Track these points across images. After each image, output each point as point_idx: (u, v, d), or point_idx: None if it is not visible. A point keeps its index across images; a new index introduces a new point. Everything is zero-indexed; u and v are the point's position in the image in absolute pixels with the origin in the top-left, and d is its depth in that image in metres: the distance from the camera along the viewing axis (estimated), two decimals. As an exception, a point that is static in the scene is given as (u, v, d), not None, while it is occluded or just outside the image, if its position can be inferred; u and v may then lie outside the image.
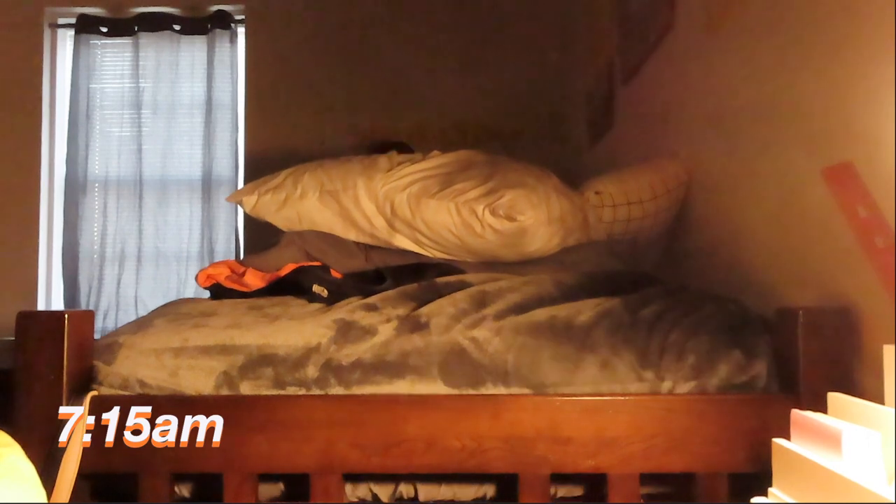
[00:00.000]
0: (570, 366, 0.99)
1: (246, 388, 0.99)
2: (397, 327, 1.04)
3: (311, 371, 0.99)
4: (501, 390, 0.98)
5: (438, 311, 1.06)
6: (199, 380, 0.99)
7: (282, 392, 0.99)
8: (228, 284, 1.30)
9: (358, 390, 0.99)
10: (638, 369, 0.99)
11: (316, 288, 1.20)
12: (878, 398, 0.76)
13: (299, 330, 1.04)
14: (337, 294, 1.20)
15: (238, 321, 1.08)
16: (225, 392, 0.99)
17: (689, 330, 1.02)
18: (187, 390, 0.99)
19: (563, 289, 1.16)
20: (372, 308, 1.09)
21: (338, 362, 1.00)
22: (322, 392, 0.99)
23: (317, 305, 1.17)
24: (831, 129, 1.00)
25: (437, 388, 0.98)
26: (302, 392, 0.99)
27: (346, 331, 1.04)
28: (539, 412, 0.94)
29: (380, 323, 1.05)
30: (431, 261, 1.42)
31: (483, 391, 0.98)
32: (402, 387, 0.99)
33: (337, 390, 0.99)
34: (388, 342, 1.02)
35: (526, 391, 0.98)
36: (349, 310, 1.09)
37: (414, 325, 1.04)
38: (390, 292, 1.15)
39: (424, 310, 1.07)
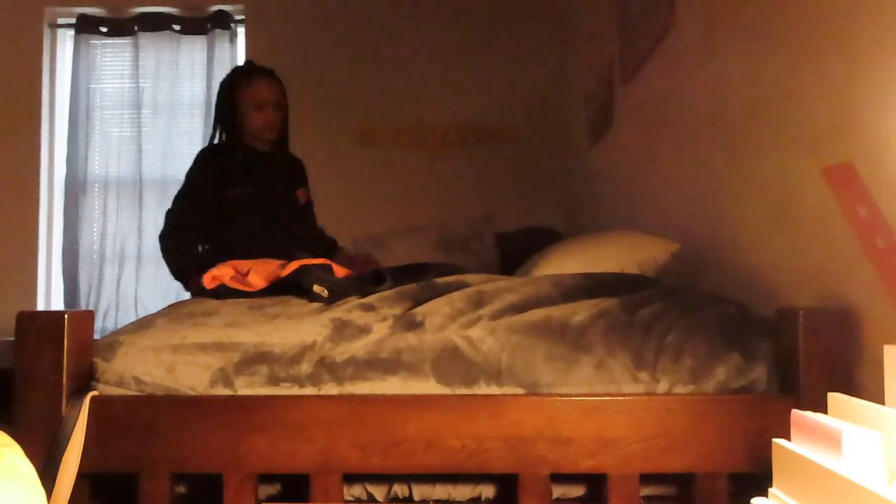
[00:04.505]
0: (565, 366, 0.99)
1: (241, 384, 0.99)
2: (392, 325, 1.05)
3: (305, 367, 1.00)
4: (494, 389, 0.98)
5: (434, 310, 1.07)
6: (196, 376, 1.00)
7: (276, 388, 0.99)
8: (233, 285, 1.31)
9: (350, 387, 0.99)
10: (633, 370, 0.99)
11: (316, 288, 1.21)
12: (878, 398, 0.76)
13: (296, 329, 1.04)
14: (337, 294, 1.20)
15: (237, 320, 1.09)
16: (220, 388, 0.99)
17: (688, 332, 1.01)
18: (183, 386, 0.99)
19: (561, 289, 1.16)
20: (369, 308, 1.09)
21: (332, 359, 1.00)
22: (315, 388, 0.99)
23: (315, 305, 1.17)
24: (831, 129, 1.00)
25: (430, 385, 0.99)
26: (295, 388, 0.99)
27: (342, 329, 1.04)
28: (539, 412, 0.94)
29: (375, 322, 1.06)
30: (433, 262, 1.42)
31: (476, 390, 0.98)
32: (394, 383, 0.99)
33: (330, 386, 0.99)
34: (382, 340, 1.02)
35: (519, 391, 0.98)
36: (346, 309, 1.09)
37: (409, 324, 1.04)
38: (389, 292, 1.15)
39: (420, 309, 1.08)
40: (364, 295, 1.17)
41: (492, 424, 0.94)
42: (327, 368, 1.00)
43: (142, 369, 1.00)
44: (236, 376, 1.00)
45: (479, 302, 1.10)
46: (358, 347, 1.01)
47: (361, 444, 0.94)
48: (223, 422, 0.95)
